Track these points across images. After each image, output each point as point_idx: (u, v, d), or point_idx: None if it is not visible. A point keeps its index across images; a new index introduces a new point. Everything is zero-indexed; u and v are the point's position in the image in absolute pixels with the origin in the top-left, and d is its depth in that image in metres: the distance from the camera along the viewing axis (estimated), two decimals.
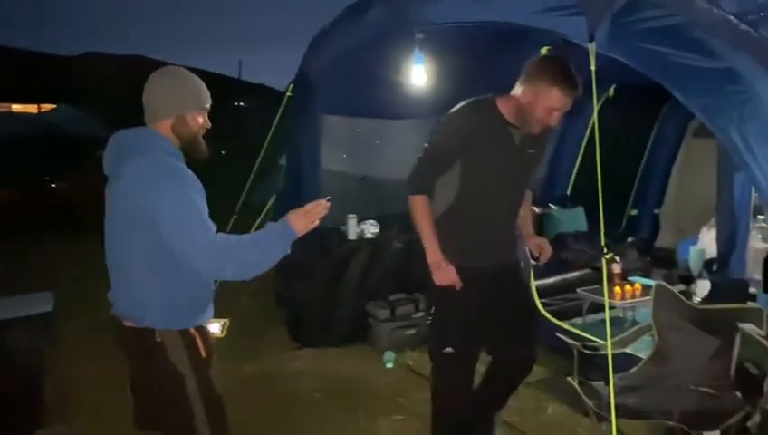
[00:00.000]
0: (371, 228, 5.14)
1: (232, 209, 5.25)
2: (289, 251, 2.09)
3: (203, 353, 2.14)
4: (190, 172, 2.10)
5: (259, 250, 2.04)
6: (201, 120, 2.18)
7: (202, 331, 2.17)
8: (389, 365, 3.95)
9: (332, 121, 5.37)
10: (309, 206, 2.12)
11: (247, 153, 5.46)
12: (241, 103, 19.77)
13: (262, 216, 5.29)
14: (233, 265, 2.00)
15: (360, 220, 5.15)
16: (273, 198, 5.39)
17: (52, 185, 8.73)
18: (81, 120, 12.68)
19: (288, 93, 5.14)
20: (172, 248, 1.99)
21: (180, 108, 2.13)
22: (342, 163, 5.63)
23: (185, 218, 1.98)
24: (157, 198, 1.98)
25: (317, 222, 2.12)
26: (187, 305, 2.13)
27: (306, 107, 5.09)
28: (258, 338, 4.69)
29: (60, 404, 3.36)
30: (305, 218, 2.09)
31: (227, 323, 2.41)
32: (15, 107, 19.36)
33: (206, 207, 2.06)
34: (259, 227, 5.20)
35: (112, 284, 2.20)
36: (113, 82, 15.19)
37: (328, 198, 2.14)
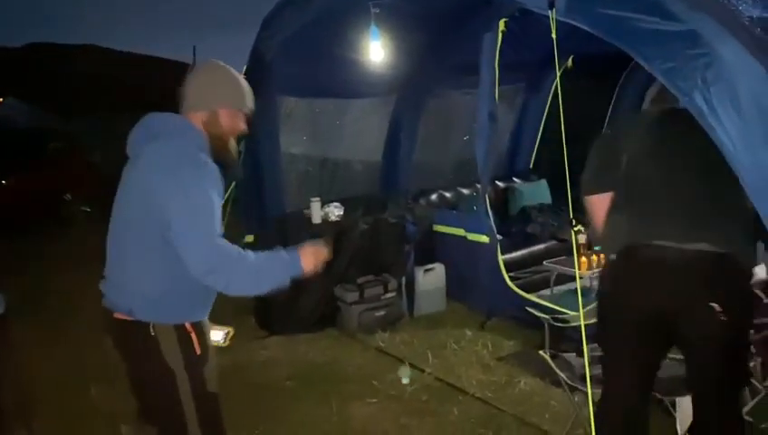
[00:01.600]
0: (336, 211, 5.06)
1: None
2: (287, 284, 2.00)
3: (197, 350, 2.04)
4: (215, 168, 1.97)
5: (260, 272, 1.95)
6: (235, 122, 2.07)
7: (198, 326, 2.06)
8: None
9: (290, 103, 5.25)
10: (319, 247, 2.06)
11: None
12: None
13: (222, 202, 5.15)
14: (227, 276, 1.89)
15: (324, 203, 5.06)
16: (233, 185, 5.26)
17: (2, 182, 8.40)
18: (30, 113, 12.27)
19: (242, 75, 4.98)
20: (173, 240, 1.86)
21: (214, 103, 2.03)
22: (303, 146, 5.53)
23: (197, 215, 1.87)
24: (173, 185, 1.87)
25: (321, 262, 2.05)
26: (185, 299, 2.02)
27: (262, 89, 4.92)
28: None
29: (19, 411, 3.21)
30: (315, 257, 2.03)
31: (231, 333, 2.32)
32: None
33: (220, 208, 1.94)
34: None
35: (107, 271, 2.08)
36: (63, 73, 14.72)
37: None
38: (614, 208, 2.35)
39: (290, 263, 1.99)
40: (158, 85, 14.99)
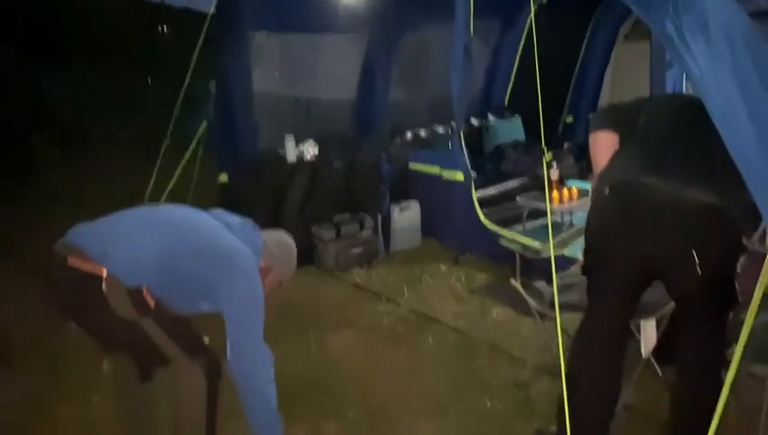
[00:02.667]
0: (310, 149, 5.05)
1: (162, 137, 5.04)
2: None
3: (151, 304, 2.08)
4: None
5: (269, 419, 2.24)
6: (269, 286, 2.32)
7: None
8: None
9: (261, 38, 5.14)
10: None
11: (175, 80, 5.20)
12: (165, 29, 18.76)
13: (194, 143, 5.11)
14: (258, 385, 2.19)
15: (299, 142, 5.04)
16: (204, 124, 5.19)
17: None
18: None
19: (212, 11, 4.86)
20: (227, 325, 2.11)
21: (277, 265, 2.34)
22: (275, 83, 5.44)
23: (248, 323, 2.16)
24: (247, 289, 2.15)
25: None
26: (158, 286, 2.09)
27: (232, 24, 4.83)
28: None
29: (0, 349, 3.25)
30: None
31: (206, 340, 2.39)
32: None
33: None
34: (192, 155, 5.05)
35: (100, 224, 2.16)
36: (23, 14, 14.12)
37: None
38: (618, 152, 2.40)
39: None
40: (121, 27, 14.49)
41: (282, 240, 2.44)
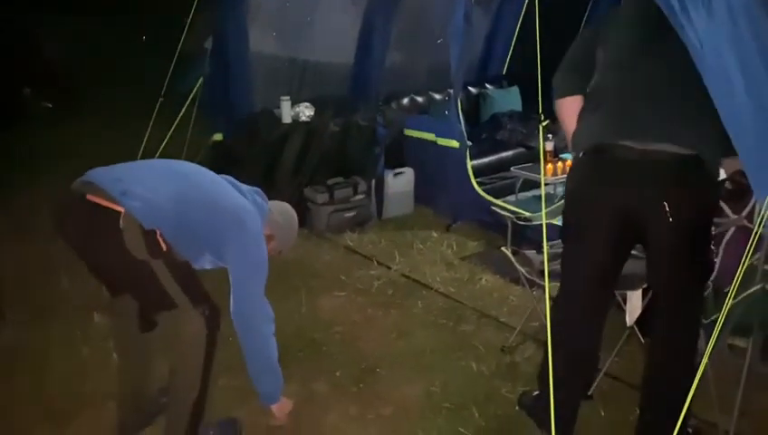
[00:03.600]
0: (306, 111, 5.02)
1: (158, 94, 5.00)
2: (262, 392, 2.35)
3: (164, 247, 2.12)
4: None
5: (270, 368, 2.33)
6: (273, 253, 2.39)
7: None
8: None
9: None
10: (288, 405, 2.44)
11: (171, 37, 5.13)
12: None
13: (188, 101, 5.06)
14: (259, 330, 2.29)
15: (294, 103, 5.00)
16: (200, 81, 5.14)
17: None
18: None
19: None
20: (231, 278, 2.21)
21: (280, 233, 2.42)
22: (272, 43, 5.37)
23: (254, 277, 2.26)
24: (247, 251, 2.22)
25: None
26: (173, 231, 2.14)
27: None
28: None
29: None
30: (282, 410, 2.41)
31: None
32: None
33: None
34: (186, 113, 5.01)
35: (120, 168, 2.23)
36: None
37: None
38: (585, 110, 2.34)
39: (277, 387, 2.36)
40: None
41: (286, 211, 2.50)
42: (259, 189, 2.41)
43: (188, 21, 4.94)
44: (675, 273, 2.22)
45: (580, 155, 2.31)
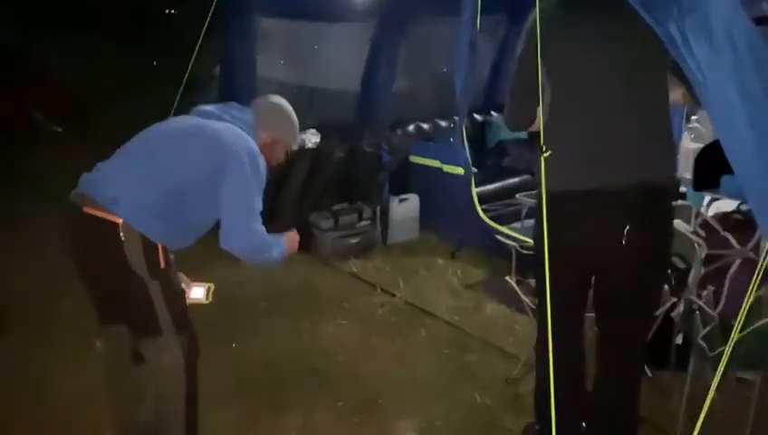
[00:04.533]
0: (312, 138, 5.05)
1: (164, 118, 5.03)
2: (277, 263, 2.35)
3: (162, 264, 2.12)
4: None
5: (273, 251, 2.30)
6: (279, 154, 2.45)
7: (165, 249, 2.16)
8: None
9: (268, 25, 5.13)
10: (295, 236, 2.46)
11: (180, 64, 5.19)
12: (172, 11, 18.69)
13: None
14: (250, 252, 2.26)
15: (301, 129, 5.01)
16: None
17: None
18: None
19: None
20: (222, 202, 2.16)
21: (282, 135, 2.41)
22: (280, 70, 5.43)
23: (248, 197, 2.18)
24: (240, 166, 2.14)
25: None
26: (164, 226, 2.13)
27: (240, 8, 4.82)
28: (201, 250, 4.62)
29: None
30: (293, 242, 2.41)
31: (212, 289, 2.40)
32: None
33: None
34: None
35: (102, 169, 2.19)
36: None
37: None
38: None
39: (282, 247, 2.33)
40: (127, 7, 14.42)
41: (277, 107, 2.45)
42: (233, 103, 2.38)
43: (197, 48, 5.00)
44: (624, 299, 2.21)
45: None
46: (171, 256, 2.21)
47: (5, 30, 10.90)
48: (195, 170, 2.15)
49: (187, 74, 4.97)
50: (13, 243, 4.56)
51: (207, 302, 2.39)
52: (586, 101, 2.19)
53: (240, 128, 2.27)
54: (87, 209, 2.08)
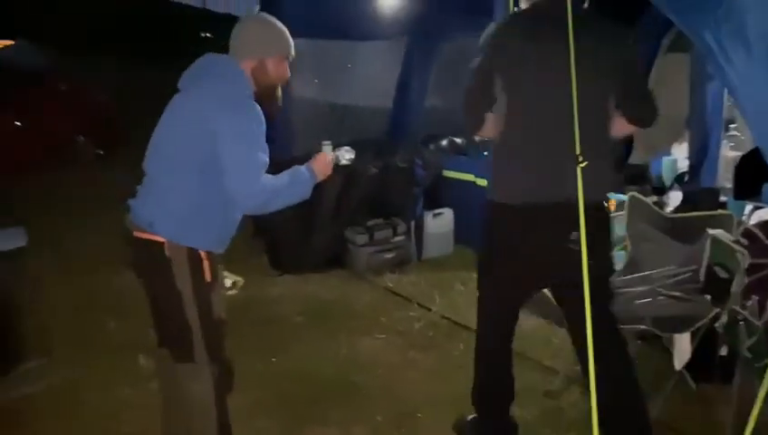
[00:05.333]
0: (347, 154, 5.04)
1: None
2: (309, 196, 2.26)
3: (207, 277, 2.15)
4: (260, 111, 2.14)
5: (291, 192, 2.21)
6: (281, 70, 2.24)
7: (211, 256, 2.18)
8: None
9: (301, 45, 5.18)
10: (326, 156, 2.37)
11: None
12: (207, 34, 19.12)
13: None
14: (263, 203, 2.14)
15: (335, 147, 5.08)
16: None
17: (16, 123, 8.47)
18: (41, 56, 12.21)
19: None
20: (224, 166, 2.05)
21: (262, 51, 2.19)
22: (313, 89, 5.51)
23: (249, 148, 2.07)
24: (225, 122, 2.05)
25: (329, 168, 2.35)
26: (205, 226, 2.14)
27: None
28: (239, 266, 4.69)
29: (39, 338, 3.37)
30: (324, 166, 2.32)
31: (240, 283, 2.43)
32: None
33: (264, 147, 2.13)
34: None
35: (139, 191, 2.23)
36: (76, 15, 14.57)
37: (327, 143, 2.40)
38: (504, 156, 2.46)
39: (308, 177, 2.25)
40: (168, 29, 14.80)
41: (246, 25, 2.27)
42: (208, 55, 2.24)
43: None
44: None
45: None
46: (220, 272, 2.26)
47: (48, 55, 11.31)
48: (195, 154, 2.09)
49: None
50: (56, 263, 4.70)
51: (233, 293, 2.42)
52: (534, 118, 2.34)
53: (218, 83, 2.14)
54: (137, 233, 2.16)
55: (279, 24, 2.26)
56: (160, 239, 2.11)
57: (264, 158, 2.12)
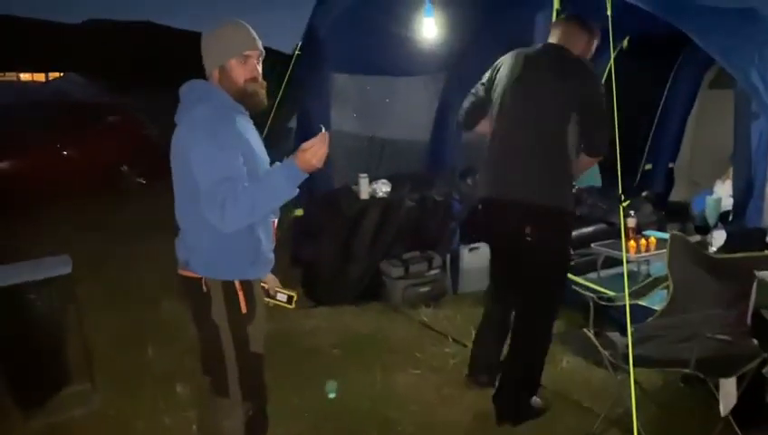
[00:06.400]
0: (383, 187, 5.13)
1: None
2: (296, 192, 2.05)
3: (243, 308, 2.16)
4: (239, 126, 2.10)
5: (270, 197, 2.03)
6: (246, 68, 2.13)
7: (247, 285, 2.18)
8: None
9: (342, 80, 5.32)
10: (308, 143, 2.00)
11: (256, 118, 5.44)
12: None
13: None
14: (243, 217, 2.00)
15: (372, 180, 5.13)
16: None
17: (63, 153, 8.77)
18: (89, 87, 12.68)
19: (297, 52, 5.08)
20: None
21: (219, 59, 2.14)
22: (353, 123, 5.59)
23: (207, 178, 1.99)
24: (193, 149, 2.02)
25: (322, 159, 2.01)
26: (232, 255, 2.13)
27: (315, 65, 5.03)
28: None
29: (84, 364, 3.43)
30: (310, 155, 1.98)
31: (295, 297, 2.42)
32: (23, 76, 19.32)
33: (238, 156, 2.02)
34: None
35: (180, 230, 2.24)
36: (120, 48, 15.13)
37: (323, 130, 2.04)
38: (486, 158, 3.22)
39: (287, 174, 2.00)
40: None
41: (205, 36, 2.18)
42: (186, 83, 2.19)
43: (276, 102, 5.24)
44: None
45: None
46: (258, 300, 2.26)
47: (95, 87, 11.76)
48: (193, 186, 2.03)
49: (267, 128, 5.21)
50: (100, 290, 4.80)
51: (291, 307, 2.40)
52: (504, 134, 3.09)
53: (191, 110, 2.10)
54: (180, 271, 2.22)
55: (234, 24, 2.17)
56: (198, 275, 2.15)
57: (232, 174, 1.98)
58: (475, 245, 5.10)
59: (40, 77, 19.06)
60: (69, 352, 3.37)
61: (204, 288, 2.14)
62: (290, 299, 2.39)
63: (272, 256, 2.28)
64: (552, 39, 3.12)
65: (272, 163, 2.16)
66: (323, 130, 2.02)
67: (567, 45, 3.05)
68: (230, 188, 1.95)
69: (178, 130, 2.13)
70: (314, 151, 1.98)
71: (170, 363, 3.65)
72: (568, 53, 3.04)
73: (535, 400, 3.19)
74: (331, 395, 3.43)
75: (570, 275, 4.47)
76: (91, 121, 9.35)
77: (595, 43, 3.07)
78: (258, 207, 2.01)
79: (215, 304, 2.14)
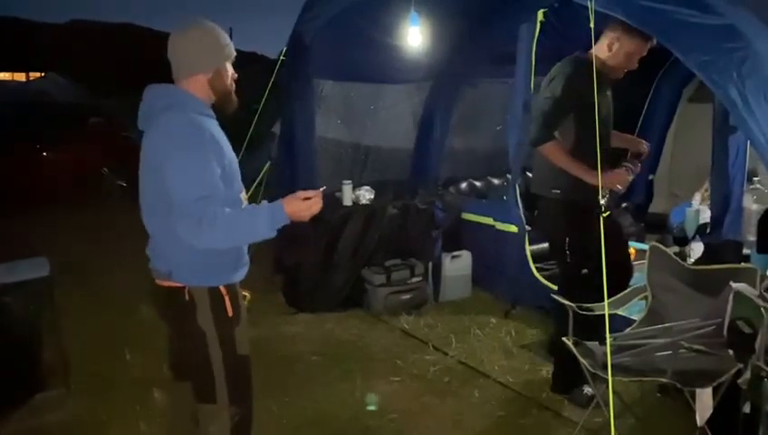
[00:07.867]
0: (366, 194, 5.13)
1: None
2: (273, 235, 2.03)
3: (229, 312, 2.14)
4: (214, 133, 2.07)
5: (233, 229, 1.98)
6: (231, 72, 2.18)
7: (232, 288, 2.16)
8: None
9: (326, 87, 5.32)
10: (307, 193, 2.02)
11: (240, 122, 5.43)
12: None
13: (256, 183, 5.27)
14: (199, 231, 1.93)
15: (355, 186, 5.14)
16: (268, 164, 5.36)
17: (44, 154, 8.66)
18: (70, 89, 12.55)
19: (281, 57, 5.08)
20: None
21: (219, 60, 2.13)
22: (337, 129, 5.60)
23: (182, 183, 1.95)
24: (165, 160, 1.97)
25: (312, 214, 2.03)
26: (216, 264, 2.11)
27: (300, 72, 5.03)
28: (255, 303, 4.70)
29: (59, 368, 3.39)
30: (301, 206, 2.00)
31: (248, 297, 2.40)
32: (2, 75, 19.09)
33: (216, 170, 1.99)
34: (253, 194, 5.20)
35: (149, 242, 2.19)
36: (103, 50, 15.00)
37: (323, 187, 2.08)
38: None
39: (270, 216, 1.99)
40: None
41: (205, 36, 2.13)
42: (150, 87, 2.14)
43: (260, 107, 5.22)
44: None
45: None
46: (242, 302, 2.24)
47: (75, 89, 11.63)
48: (167, 197, 1.98)
49: (250, 133, 5.20)
50: (78, 293, 4.74)
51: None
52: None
53: (162, 117, 2.03)
54: (158, 282, 2.16)
55: (218, 28, 2.17)
56: (181, 285, 2.10)
57: (210, 192, 1.95)
58: (458, 253, 5.12)
59: (20, 77, 18.83)
60: (44, 355, 3.32)
61: (186, 297, 2.10)
62: (243, 299, 2.38)
63: (248, 256, 2.28)
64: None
65: (241, 165, 2.19)
66: (324, 188, 2.06)
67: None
68: (207, 206, 1.92)
69: (149, 138, 2.06)
70: (309, 205, 2.00)
71: (147, 369, 3.60)
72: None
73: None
74: (312, 403, 3.41)
75: (549, 284, 4.52)
76: (71, 123, 9.24)
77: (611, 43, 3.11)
78: (233, 237, 2.00)
79: (200, 310, 2.10)
